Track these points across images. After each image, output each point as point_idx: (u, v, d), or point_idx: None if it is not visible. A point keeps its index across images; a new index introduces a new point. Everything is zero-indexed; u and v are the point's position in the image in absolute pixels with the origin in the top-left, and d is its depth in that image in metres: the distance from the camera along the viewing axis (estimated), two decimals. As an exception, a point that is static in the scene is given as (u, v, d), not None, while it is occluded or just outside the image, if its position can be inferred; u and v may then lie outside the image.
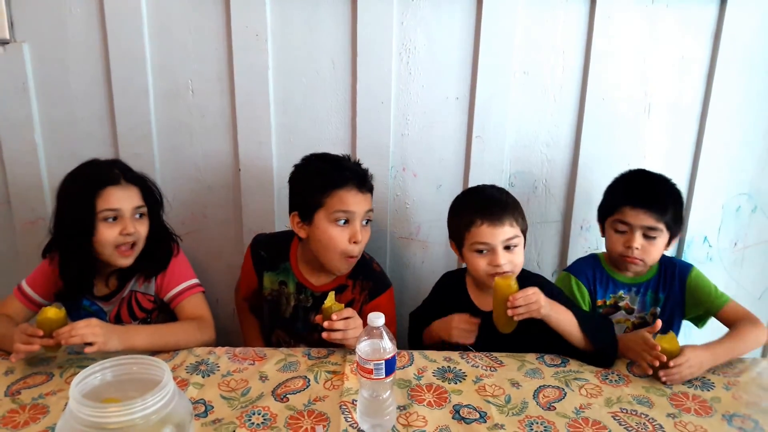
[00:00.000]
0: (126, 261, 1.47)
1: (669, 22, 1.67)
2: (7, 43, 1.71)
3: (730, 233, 1.85)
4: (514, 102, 1.74)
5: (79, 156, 1.65)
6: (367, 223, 1.53)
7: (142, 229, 1.48)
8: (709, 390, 1.30)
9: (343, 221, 1.49)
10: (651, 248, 1.52)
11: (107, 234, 1.43)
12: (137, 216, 1.48)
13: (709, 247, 1.85)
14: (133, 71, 1.73)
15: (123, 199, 1.44)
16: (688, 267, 1.61)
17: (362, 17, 1.67)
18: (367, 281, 1.59)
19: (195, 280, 1.57)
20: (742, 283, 1.89)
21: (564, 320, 1.38)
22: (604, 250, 1.66)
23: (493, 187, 1.55)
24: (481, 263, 1.45)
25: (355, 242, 1.49)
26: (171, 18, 1.70)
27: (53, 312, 1.31)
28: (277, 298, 1.64)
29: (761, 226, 1.85)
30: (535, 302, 1.34)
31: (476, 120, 1.74)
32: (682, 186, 1.79)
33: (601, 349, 1.39)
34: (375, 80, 1.72)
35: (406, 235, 1.88)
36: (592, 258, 1.67)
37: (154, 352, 1.39)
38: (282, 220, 1.82)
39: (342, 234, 1.49)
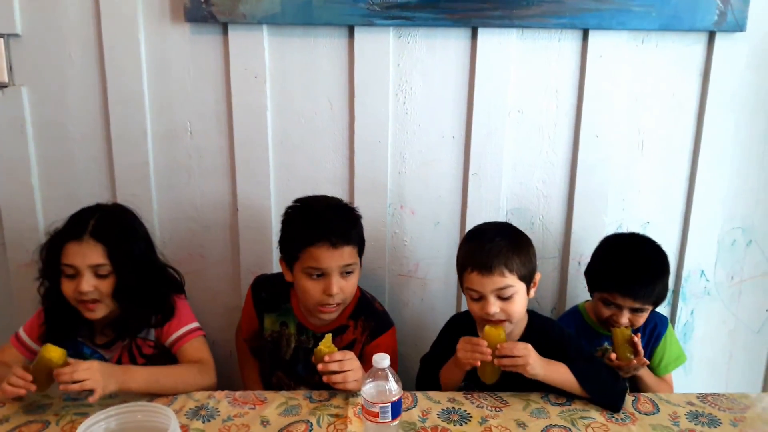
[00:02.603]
0: (91, 315, 1.43)
1: (659, 60, 1.71)
2: (6, 86, 1.72)
3: (727, 267, 1.86)
4: (510, 140, 1.76)
5: (75, 198, 1.65)
6: (348, 273, 1.49)
7: (103, 287, 1.40)
8: (716, 426, 1.30)
9: (317, 275, 1.47)
10: (637, 320, 1.57)
11: (66, 288, 1.41)
12: (99, 274, 1.41)
13: (707, 282, 1.86)
14: (132, 113, 1.73)
15: (79, 256, 1.39)
16: (664, 326, 1.66)
17: (359, 59, 1.69)
18: (368, 321, 1.58)
19: (195, 324, 1.55)
20: (740, 316, 1.90)
21: (557, 380, 1.38)
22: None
23: (495, 229, 1.52)
24: (474, 308, 1.45)
25: (330, 295, 1.46)
26: (170, 60, 1.71)
27: (53, 352, 1.29)
28: (278, 340, 1.62)
29: (757, 260, 1.86)
30: (522, 357, 1.33)
31: (472, 158, 1.76)
32: (677, 220, 1.82)
33: (601, 402, 1.38)
34: (372, 120, 1.74)
35: (405, 273, 1.87)
36: (575, 314, 1.70)
37: (152, 396, 1.37)
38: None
39: (316, 286, 1.47)
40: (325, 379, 1.35)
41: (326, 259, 1.45)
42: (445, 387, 1.49)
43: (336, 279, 1.46)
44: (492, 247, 1.42)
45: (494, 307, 1.40)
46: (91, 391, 1.25)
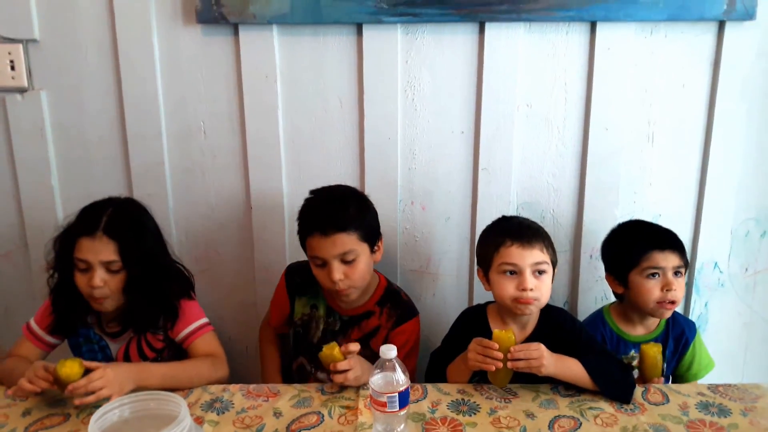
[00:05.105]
0: (100, 307, 1.46)
1: (668, 51, 1.70)
2: (26, 90, 1.77)
3: (741, 258, 1.85)
4: (519, 134, 1.76)
5: (94, 198, 1.68)
6: (351, 260, 1.51)
7: (113, 282, 1.43)
8: (726, 416, 1.29)
9: (319, 264, 1.53)
10: (681, 285, 1.56)
11: (80, 282, 1.44)
12: (110, 270, 1.43)
13: (720, 273, 1.85)
14: (147, 114, 1.78)
15: (91, 252, 1.41)
16: (692, 332, 1.64)
17: (368, 56, 1.71)
18: (394, 309, 1.63)
19: (205, 320, 1.57)
20: (755, 308, 1.88)
21: (569, 376, 1.38)
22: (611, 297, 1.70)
23: (523, 218, 1.58)
24: (508, 286, 1.44)
25: (333, 282, 1.50)
26: (183, 61, 1.75)
27: (69, 367, 1.28)
28: (308, 323, 1.68)
29: (771, 251, 1.85)
30: (537, 359, 1.33)
31: (482, 153, 1.77)
32: (689, 212, 1.82)
33: (612, 396, 1.37)
34: (381, 117, 1.76)
35: (416, 268, 1.89)
36: (599, 318, 1.67)
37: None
38: (293, 257, 1.84)
39: (322, 274, 1.53)
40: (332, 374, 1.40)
41: (321, 248, 1.50)
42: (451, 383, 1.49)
43: (337, 266, 1.49)
44: (530, 225, 1.50)
45: (531, 282, 1.42)
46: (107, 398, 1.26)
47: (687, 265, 1.58)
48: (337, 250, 1.49)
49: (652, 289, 1.54)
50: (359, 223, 1.53)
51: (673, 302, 1.54)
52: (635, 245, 1.57)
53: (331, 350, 1.38)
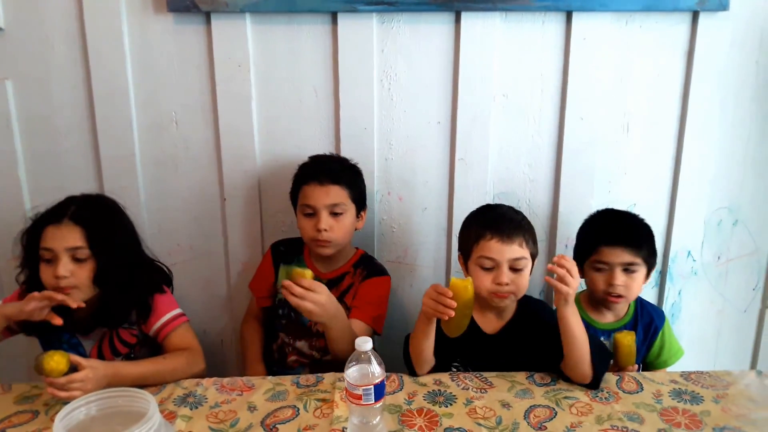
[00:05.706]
0: (68, 300, 1.38)
1: (643, 41, 1.71)
2: (-10, 80, 1.72)
3: (713, 247, 1.87)
4: (495, 124, 1.76)
5: (63, 190, 1.64)
6: (338, 214, 1.61)
7: (80, 273, 1.38)
8: (698, 404, 1.31)
9: (308, 213, 1.61)
10: (632, 283, 1.55)
11: (44, 275, 1.39)
12: (76, 258, 1.38)
13: (693, 262, 1.87)
14: (117, 105, 1.74)
15: (57, 239, 1.37)
16: (661, 320, 1.65)
17: (343, 46, 1.69)
18: (366, 269, 1.71)
19: (178, 310, 1.54)
20: (727, 296, 1.91)
21: (574, 326, 1.35)
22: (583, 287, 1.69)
23: (510, 207, 1.57)
24: (485, 280, 1.44)
25: (318, 230, 1.59)
26: (153, 51, 1.71)
27: (56, 362, 1.25)
28: None
29: (743, 240, 1.87)
30: (574, 278, 1.32)
31: (458, 143, 1.77)
32: (663, 201, 1.83)
33: (596, 375, 1.36)
34: (357, 107, 1.74)
35: (394, 259, 1.88)
36: None
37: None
38: (267, 249, 1.82)
39: (309, 223, 1.62)
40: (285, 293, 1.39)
41: (314, 197, 1.60)
42: (414, 347, 1.44)
43: (325, 216, 1.59)
44: (513, 217, 1.49)
45: (507, 276, 1.41)
46: None
47: (648, 260, 1.56)
48: (330, 200, 1.59)
49: (597, 282, 1.57)
50: (352, 183, 1.65)
51: (619, 296, 1.55)
52: (588, 238, 1.61)
53: (304, 273, 1.39)
